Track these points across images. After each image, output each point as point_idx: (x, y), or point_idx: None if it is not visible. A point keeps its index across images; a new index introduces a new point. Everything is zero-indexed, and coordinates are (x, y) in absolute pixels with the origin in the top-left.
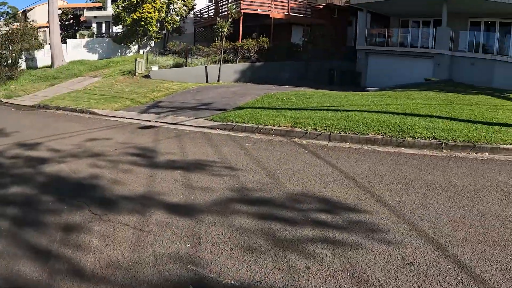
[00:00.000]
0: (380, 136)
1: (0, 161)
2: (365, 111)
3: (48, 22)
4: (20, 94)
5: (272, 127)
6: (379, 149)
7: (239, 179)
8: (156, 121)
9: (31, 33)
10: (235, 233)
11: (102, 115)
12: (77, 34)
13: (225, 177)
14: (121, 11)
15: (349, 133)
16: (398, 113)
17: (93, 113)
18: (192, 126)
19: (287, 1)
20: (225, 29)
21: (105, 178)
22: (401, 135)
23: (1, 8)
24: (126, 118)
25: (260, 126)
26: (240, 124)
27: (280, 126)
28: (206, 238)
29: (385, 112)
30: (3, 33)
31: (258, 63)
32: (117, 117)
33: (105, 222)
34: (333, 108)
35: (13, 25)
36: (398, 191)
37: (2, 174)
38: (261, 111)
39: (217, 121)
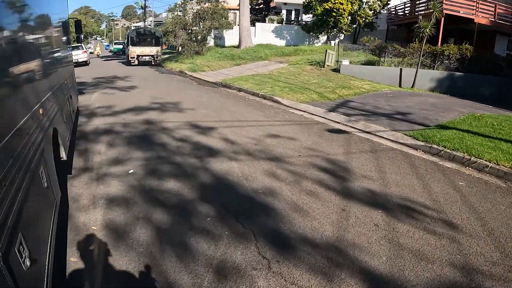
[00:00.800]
0: None
1: (166, 141)
2: None
3: (239, 4)
4: (204, 69)
5: (488, 163)
6: None
7: (461, 248)
8: (346, 125)
9: (221, 13)
10: None
11: (285, 105)
12: (266, 19)
13: (441, 238)
14: (313, 0)
15: None
16: None
17: (277, 101)
18: (389, 140)
19: (494, 5)
20: (427, 30)
21: (283, 198)
22: None
23: None
24: (312, 114)
25: (472, 158)
26: (448, 151)
27: (498, 165)
28: None
29: None
30: (195, 10)
31: (457, 73)
32: (302, 110)
33: (274, 275)
34: None
35: (205, 4)
36: None
37: (164, 160)
38: (471, 138)
39: (419, 140)
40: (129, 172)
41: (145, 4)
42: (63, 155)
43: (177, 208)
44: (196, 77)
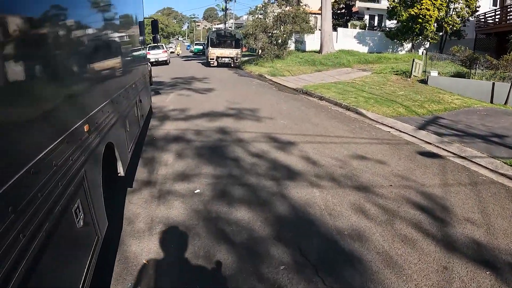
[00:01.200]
0: None
1: (240, 156)
2: None
3: (321, 8)
4: (284, 74)
5: None
6: None
7: None
8: (438, 147)
9: (302, 17)
10: None
11: (371, 119)
12: (349, 24)
13: None
14: (397, 4)
15: None
16: None
17: (361, 114)
18: (488, 169)
19: None
20: None
21: (373, 246)
22: None
23: None
24: (399, 130)
25: None
26: None
27: None
28: None
29: None
30: (276, 14)
31: None
32: (389, 126)
33: None
34: None
35: (286, 7)
36: None
37: (235, 180)
38: None
39: None
40: (195, 192)
41: (226, 7)
42: (121, 170)
43: (245, 248)
44: (275, 82)
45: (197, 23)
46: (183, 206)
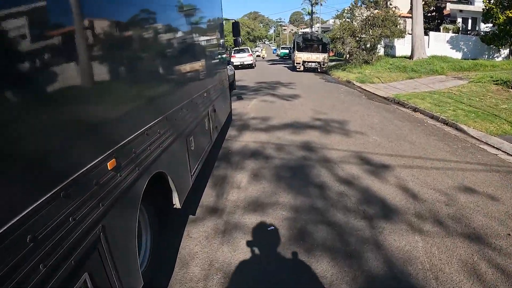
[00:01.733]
0: None
1: (325, 182)
2: None
3: (411, 11)
4: (374, 81)
5: None
6: None
7: None
8: None
9: (393, 20)
10: None
11: (473, 137)
12: (441, 28)
13: None
14: (493, 6)
15: None
16: None
17: (461, 130)
18: None
19: None
20: None
21: None
22: None
23: None
24: (507, 153)
25: None
26: None
27: None
28: None
29: None
30: (364, 17)
31: None
32: (495, 147)
33: None
34: None
35: (375, 9)
36: None
37: (319, 215)
38: None
39: None
40: (269, 229)
41: (312, 10)
42: (177, 202)
43: None
44: (364, 89)
45: (283, 27)
46: (251, 249)
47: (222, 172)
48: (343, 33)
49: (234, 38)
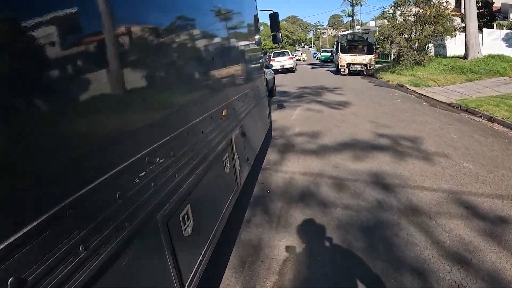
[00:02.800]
0: None
1: (429, 264)
2: None
3: (464, 7)
4: (429, 84)
5: None
6: None
7: None
8: None
9: (445, 15)
10: None
11: None
12: (494, 24)
13: None
14: None
15: None
16: None
17: None
18: None
19: None
20: None
21: None
22: None
23: None
24: None
25: None
26: None
27: None
28: None
29: None
30: (413, 13)
31: None
32: None
33: None
34: None
35: (425, 5)
36: None
37: None
38: None
39: None
40: None
41: (353, 11)
42: None
43: None
44: (421, 94)
45: (322, 31)
46: None
47: (254, 235)
48: (392, 31)
49: (272, 33)
